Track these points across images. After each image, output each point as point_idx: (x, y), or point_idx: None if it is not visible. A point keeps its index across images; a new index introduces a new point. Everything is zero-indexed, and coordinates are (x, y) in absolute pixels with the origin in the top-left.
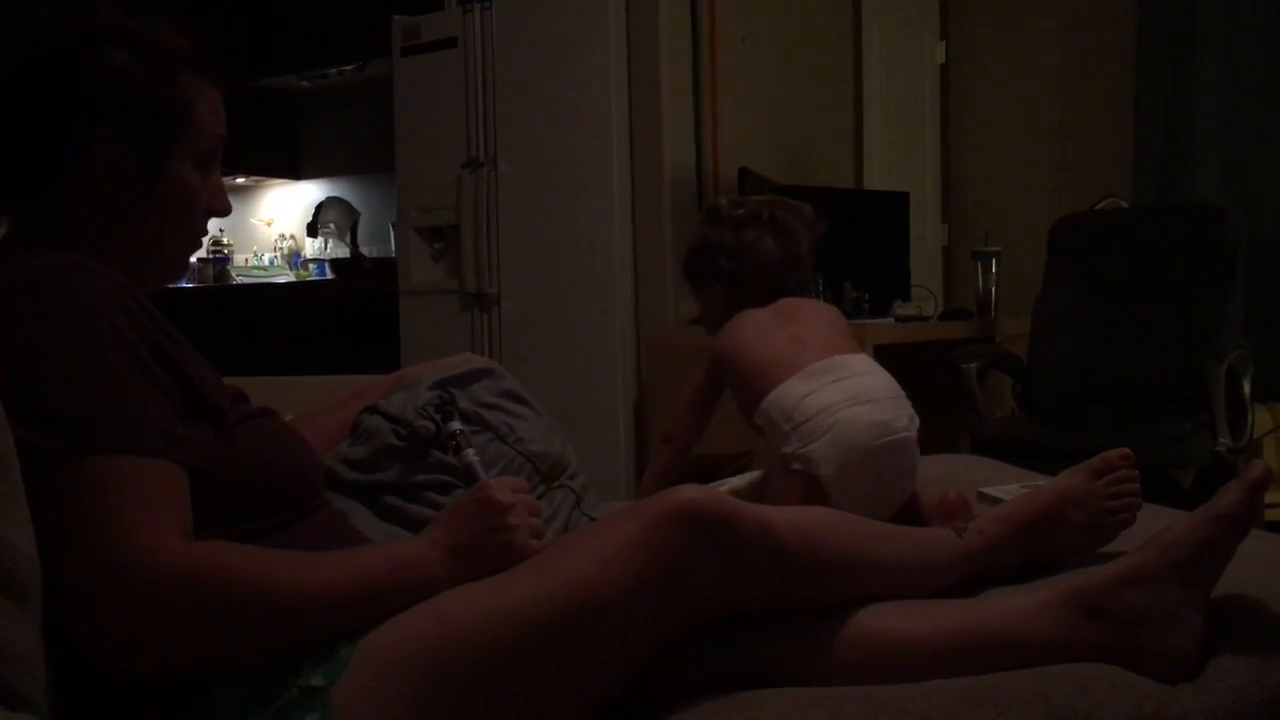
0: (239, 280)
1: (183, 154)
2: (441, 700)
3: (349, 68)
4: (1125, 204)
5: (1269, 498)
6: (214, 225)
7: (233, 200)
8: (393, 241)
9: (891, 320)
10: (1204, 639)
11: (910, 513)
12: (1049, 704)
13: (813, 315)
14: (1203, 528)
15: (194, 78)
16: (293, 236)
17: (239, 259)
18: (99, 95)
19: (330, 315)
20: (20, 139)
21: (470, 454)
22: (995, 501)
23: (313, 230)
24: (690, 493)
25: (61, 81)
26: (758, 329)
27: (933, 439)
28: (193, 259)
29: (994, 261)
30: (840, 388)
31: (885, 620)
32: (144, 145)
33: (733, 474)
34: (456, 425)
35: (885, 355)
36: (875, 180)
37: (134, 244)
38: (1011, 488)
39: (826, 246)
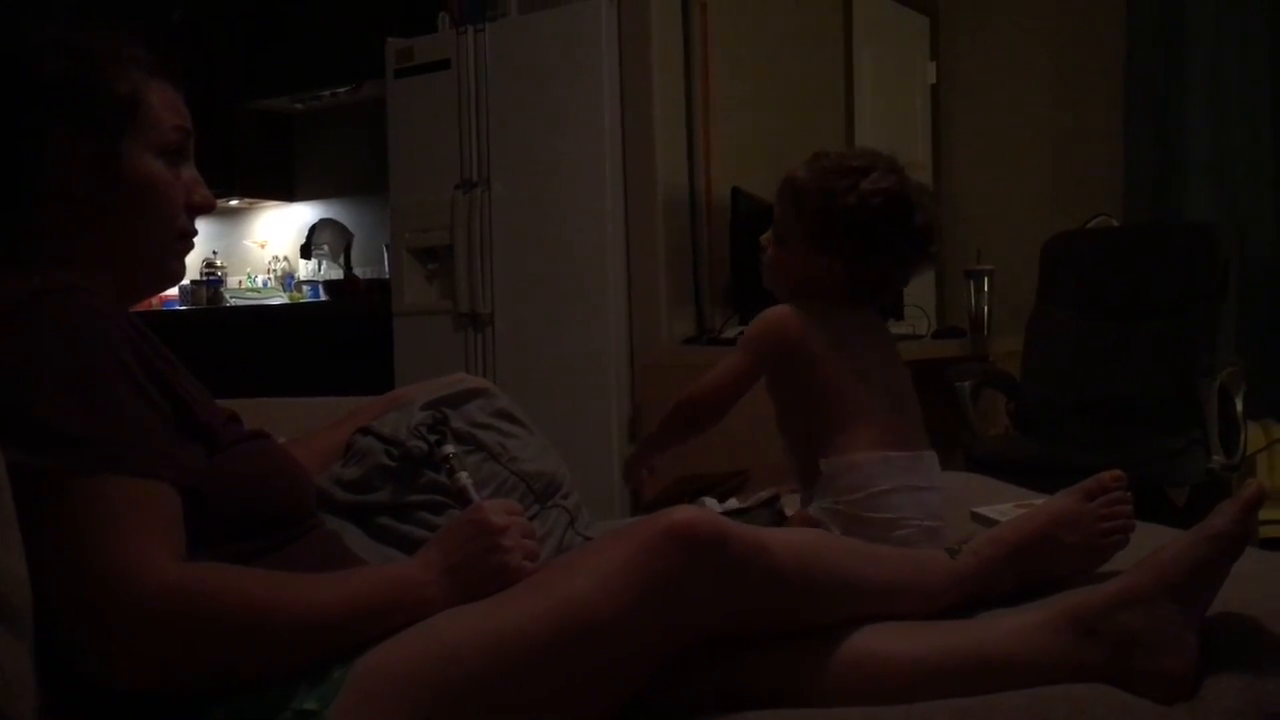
0: (232, 302)
1: (140, 144)
2: None
3: (342, 89)
4: (1116, 222)
5: (1263, 515)
6: (207, 247)
7: (226, 223)
8: (386, 262)
9: None
10: (1200, 659)
11: None
12: None
13: (899, 364)
14: (1197, 547)
15: (139, 71)
16: (286, 258)
17: (232, 281)
18: (43, 99)
19: (324, 336)
20: None
21: (464, 477)
22: (989, 521)
23: (306, 252)
24: (685, 513)
25: (3, 95)
26: (849, 346)
27: None
28: (186, 280)
29: (986, 280)
30: (917, 501)
31: (880, 641)
32: (94, 133)
33: (725, 494)
34: (450, 449)
35: None
36: None
37: (110, 243)
38: (1005, 507)
39: None
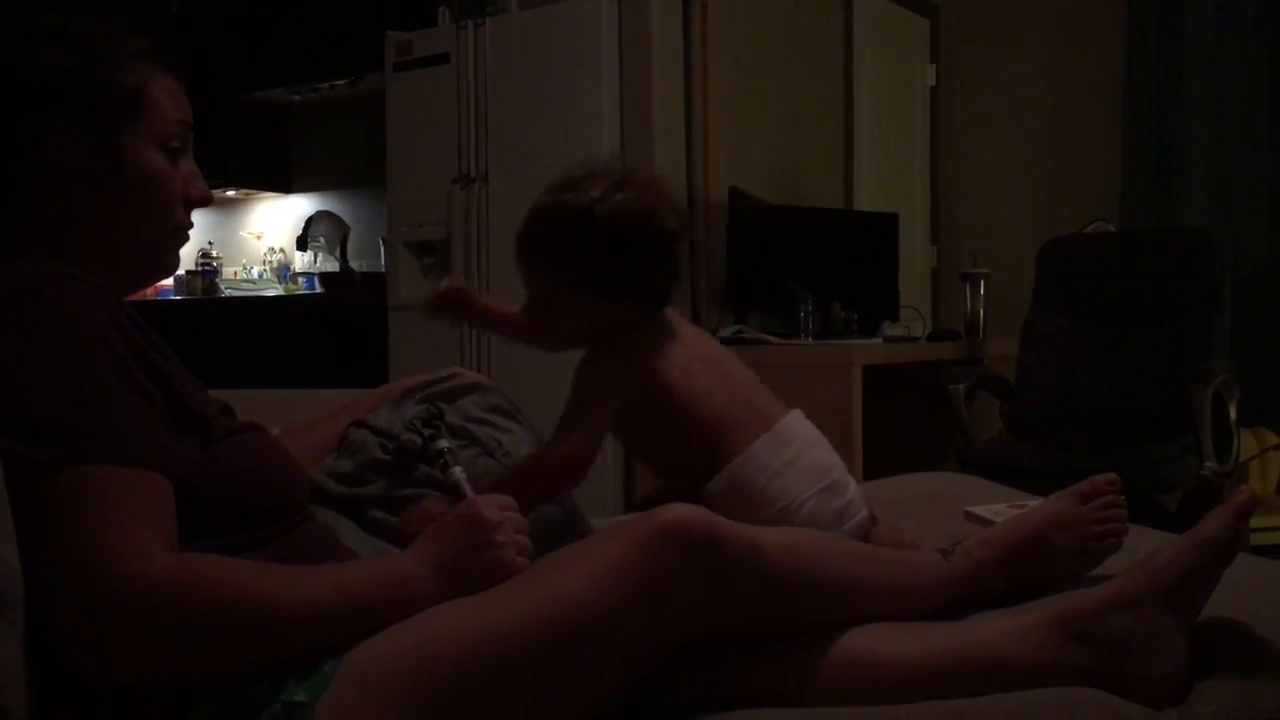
0: (227, 293)
1: (141, 136)
2: (425, 717)
3: (341, 82)
4: (1113, 228)
5: (1255, 522)
6: (203, 237)
7: (222, 213)
8: (382, 256)
9: (880, 341)
10: (1190, 664)
11: None
12: None
13: (714, 345)
14: (1189, 552)
15: (143, 64)
16: (282, 250)
17: (228, 272)
18: (42, 89)
19: (319, 329)
20: None
21: (457, 472)
22: (982, 521)
23: (302, 244)
24: (679, 511)
25: (2, 84)
26: (680, 364)
27: (919, 459)
28: (181, 270)
29: (982, 283)
30: (800, 470)
31: (872, 642)
32: (95, 127)
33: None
34: (444, 443)
35: (874, 376)
36: (865, 201)
37: (108, 237)
38: (999, 507)
39: (816, 266)
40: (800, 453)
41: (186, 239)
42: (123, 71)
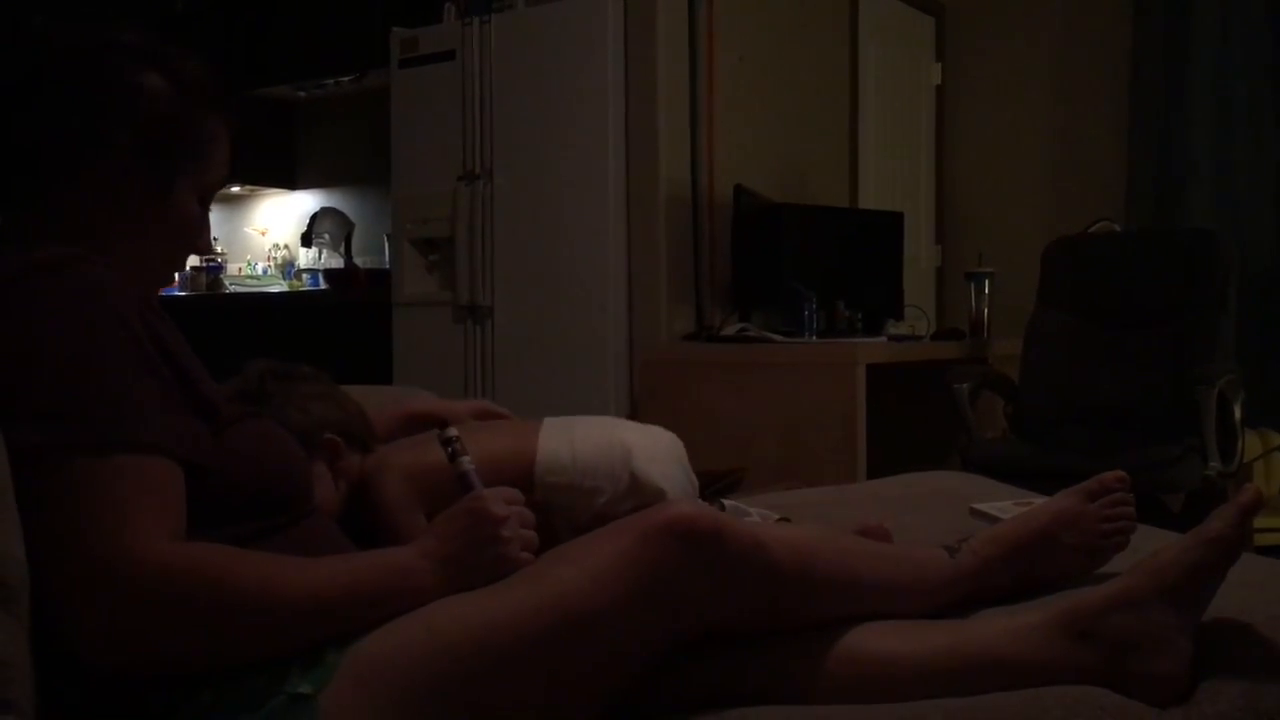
0: (232, 289)
1: (191, 185)
2: (428, 711)
3: (346, 79)
4: (1118, 227)
5: (1260, 522)
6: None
7: (227, 209)
8: (387, 253)
9: (884, 340)
10: (1194, 663)
11: None
12: None
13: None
14: (1194, 551)
15: (217, 119)
16: (287, 246)
17: (232, 268)
18: (127, 103)
19: (323, 326)
20: (36, 138)
21: (466, 462)
22: (989, 518)
23: (307, 240)
24: (683, 508)
25: (88, 84)
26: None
27: (923, 458)
28: (185, 266)
29: (987, 283)
30: (590, 422)
31: (876, 640)
32: (158, 161)
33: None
34: (453, 432)
35: (877, 374)
36: (870, 200)
37: (123, 258)
38: (1005, 504)
39: (820, 265)
40: (576, 420)
41: (174, 280)
42: (202, 122)
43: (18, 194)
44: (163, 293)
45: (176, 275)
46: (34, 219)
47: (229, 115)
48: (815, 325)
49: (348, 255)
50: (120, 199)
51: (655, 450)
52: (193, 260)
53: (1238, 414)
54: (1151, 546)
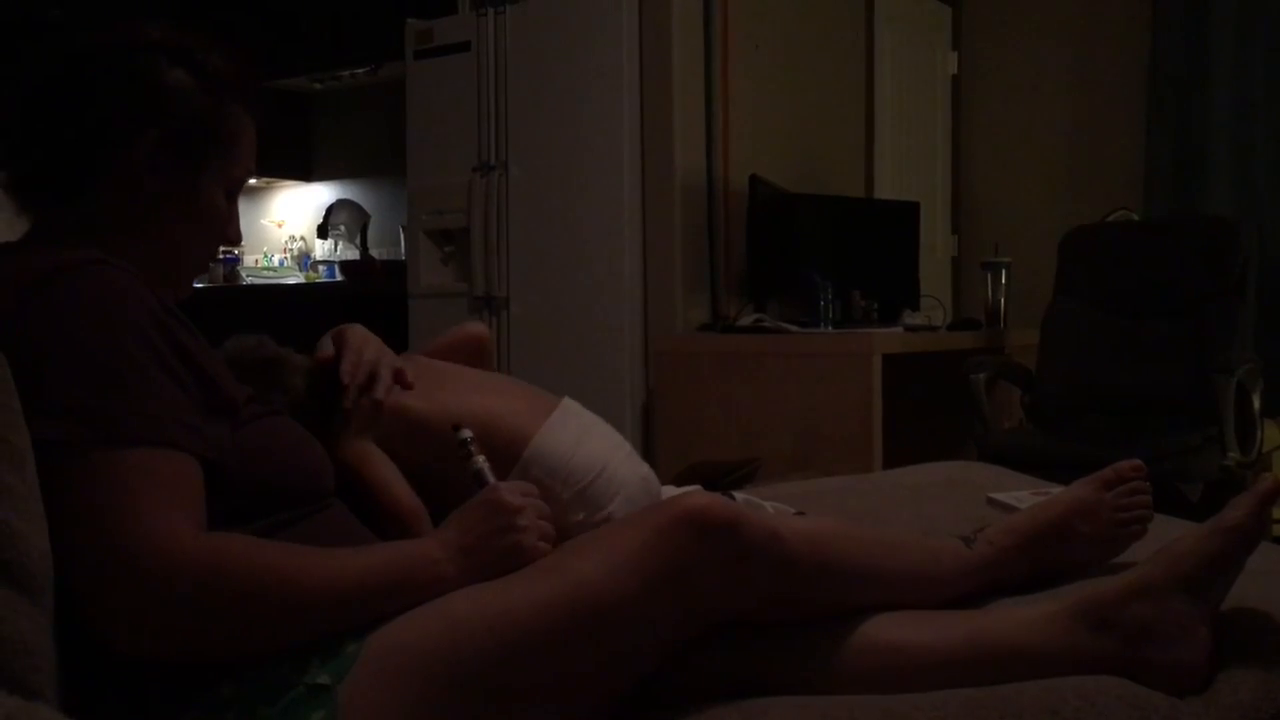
0: (249, 281)
1: (217, 177)
2: (447, 700)
3: (361, 70)
4: (1136, 216)
5: (1278, 512)
6: None
7: (243, 201)
8: (402, 244)
9: (900, 329)
10: (1212, 652)
11: None
12: (1056, 716)
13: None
14: (1212, 540)
15: (243, 111)
16: (303, 238)
17: (249, 259)
18: (152, 101)
19: (339, 317)
20: (62, 134)
21: (480, 460)
22: (1006, 508)
23: (323, 232)
24: (699, 499)
25: (114, 82)
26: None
27: (939, 449)
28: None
29: (1004, 272)
30: (599, 436)
31: (893, 630)
32: (185, 157)
33: (738, 482)
34: (467, 433)
35: (894, 364)
36: (886, 189)
37: (153, 254)
38: (1022, 494)
39: (836, 255)
40: (592, 424)
41: (208, 269)
42: (230, 115)
43: (48, 194)
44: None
45: (190, 291)
46: (64, 218)
47: (254, 105)
48: (831, 315)
49: (363, 247)
50: (148, 196)
51: (638, 498)
52: None
53: (1256, 403)
54: (1169, 536)
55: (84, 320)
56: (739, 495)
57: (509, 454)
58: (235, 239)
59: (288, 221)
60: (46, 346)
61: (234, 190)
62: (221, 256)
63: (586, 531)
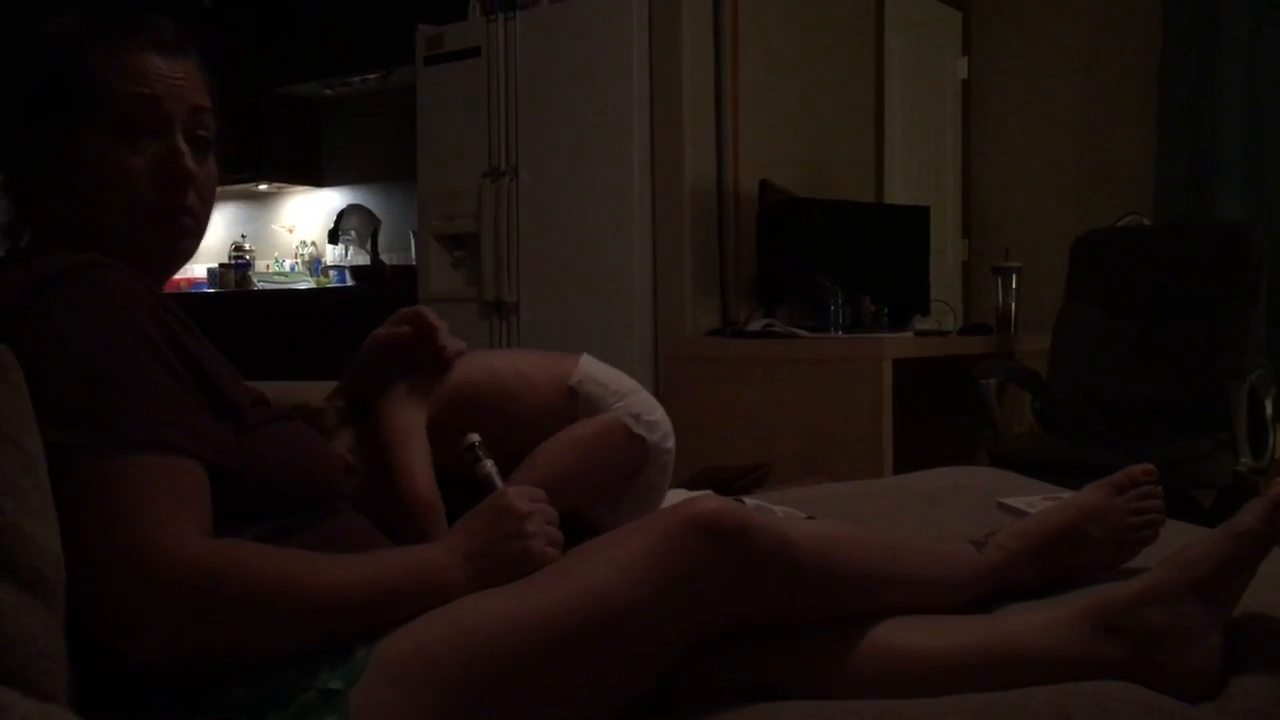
0: (260, 286)
1: (94, 124)
2: (457, 706)
3: (372, 76)
4: (1147, 221)
5: None
6: (235, 230)
7: (254, 207)
8: (413, 249)
9: (910, 334)
10: (1225, 658)
11: None
12: None
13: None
14: (1224, 545)
15: (97, 47)
16: (314, 243)
17: (260, 265)
18: (14, 63)
19: (350, 321)
20: None
21: (488, 465)
22: (1016, 512)
23: (334, 237)
24: (709, 503)
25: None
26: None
27: (950, 454)
28: (214, 263)
29: (1014, 277)
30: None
31: (903, 635)
32: (43, 116)
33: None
34: (475, 437)
35: (904, 369)
36: (896, 194)
37: (85, 228)
38: (1033, 499)
39: (846, 259)
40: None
41: (182, 222)
42: (60, 58)
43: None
44: (191, 289)
45: (192, 253)
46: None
47: (115, 30)
48: (841, 320)
49: (374, 252)
50: (38, 168)
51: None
52: (221, 258)
53: (1269, 409)
54: (1181, 541)
55: (86, 325)
56: (749, 500)
57: (556, 386)
58: (177, 172)
59: (298, 227)
60: (49, 351)
61: (129, 128)
62: (233, 261)
63: (638, 438)
